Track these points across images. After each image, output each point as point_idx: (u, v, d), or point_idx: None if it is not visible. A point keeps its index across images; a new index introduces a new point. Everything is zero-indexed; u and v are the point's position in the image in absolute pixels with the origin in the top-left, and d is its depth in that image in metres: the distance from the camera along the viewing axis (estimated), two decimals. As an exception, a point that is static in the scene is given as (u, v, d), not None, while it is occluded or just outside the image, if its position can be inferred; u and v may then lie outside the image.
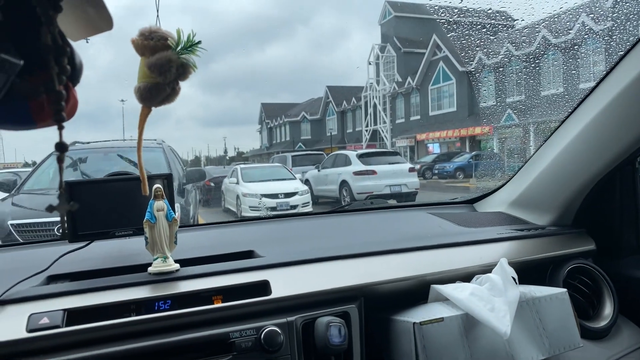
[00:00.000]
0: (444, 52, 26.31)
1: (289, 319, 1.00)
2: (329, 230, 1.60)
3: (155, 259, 1.09)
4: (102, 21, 0.69)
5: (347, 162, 12.61)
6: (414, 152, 28.44)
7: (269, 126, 46.50)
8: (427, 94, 28.27)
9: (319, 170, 13.77)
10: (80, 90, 0.66)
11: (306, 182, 13.38)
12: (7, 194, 5.54)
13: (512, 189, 1.68)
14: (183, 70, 0.84)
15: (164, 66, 0.82)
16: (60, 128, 0.64)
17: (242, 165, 13.56)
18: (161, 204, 1.10)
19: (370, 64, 30.71)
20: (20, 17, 0.60)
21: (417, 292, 1.18)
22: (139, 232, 1.17)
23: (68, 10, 0.63)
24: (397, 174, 12.08)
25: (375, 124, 30.32)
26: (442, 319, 1.05)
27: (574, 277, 1.37)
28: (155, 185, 1.10)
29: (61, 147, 0.64)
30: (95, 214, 1.19)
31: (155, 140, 6.53)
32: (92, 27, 0.71)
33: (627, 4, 1.69)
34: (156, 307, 0.99)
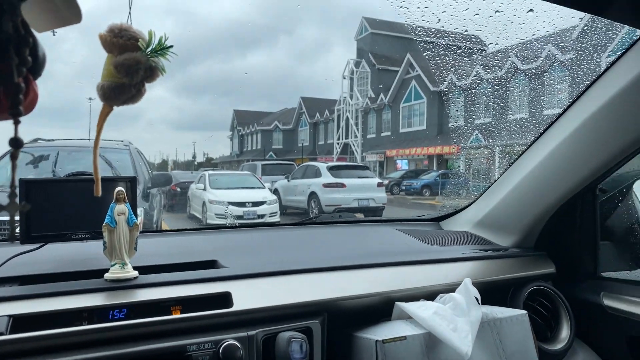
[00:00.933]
0: (416, 71, 26.87)
1: (250, 333, 0.97)
2: (295, 242, 1.58)
3: (112, 265, 1.04)
4: (70, 13, 0.66)
5: (317, 173, 12.62)
6: (383, 168, 28.78)
7: (240, 133, 46.13)
8: (398, 111, 28.75)
9: (288, 181, 13.72)
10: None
11: (275, 191, 13.30)
12: None
13: (477, 209, 1.70)
14: (151, 73, 0.82)
15: (132, 67, 0.79)
16: (16, 122, 0.60)
17: (211, 172, 13.35)
18: (122, 207, 1.06)
19: (344, 78, 31.02)
20: None
21: (381, 309, 1.17)
22: (97, 235, 1.13)
23: None
24: (365, 188, 12.17)
25: (347, 137, 30.54)
26: (404, 338, 1.05)
27: (534, 299, 1.39)
28: (118, 188, 1.06)
29: (16, 143, 0.60)
30: (51, 214, 1.13)
31: (122, 141, 6.36)
32: (60, 19, 0.67)
33: (592, 36, 1.76)
34: (110, 316, 0.94)
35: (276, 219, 10.70)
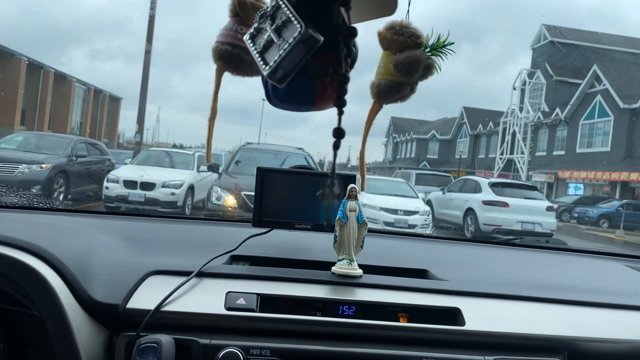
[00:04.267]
0: (603, 84, 23.60)
1: (487, 358, 0.89)
2: (501, 262, 1.44)
3: (340, 260, 1.05)
4: (386, 5, 0.67)
5: (477, 189, 11.91)
6: (552, 190, 25.91)
7: (395, 140, 46.18)
8: (576, 128, 25.53)
9: (443, 193, 13.21)
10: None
11: (428, 202, 12.92)
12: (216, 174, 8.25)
13: None
14: (427, 72, 0.79)
15: (413, 65, 0.77)
16: (341, 113, 0.63)
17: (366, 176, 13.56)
18: (354, 204, 1.06)
19: (515, 89, 28.64)
20: None
21: (630, 358, 0.98)
22: (317, 228, 1.17)
23: None
24: (532, 211, 11.08)
25: (512, 153, 28.22)
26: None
27: None
28: (351, 185, 1.07)
29: (339, 134, 0.63)
30: (279, 203, 1.20)
31: (300, 148, 8.14)
32: (376, 10, 0.68)
33: None
34: (340, 311, 0.95)
35: (428, 231, 10.38)
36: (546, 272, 1.35)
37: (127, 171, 9.44)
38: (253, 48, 0.63)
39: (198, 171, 10.06)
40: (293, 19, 0.58)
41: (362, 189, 1.01)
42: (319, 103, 0.65)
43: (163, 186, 9.00)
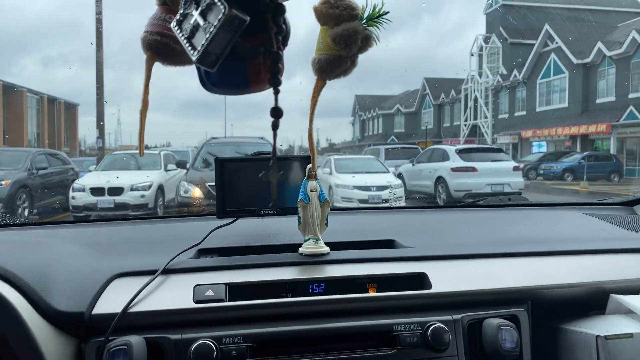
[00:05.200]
0: (556, 42, 24.17)
1: (455, 316, 0.92)
2: (468, 224, 1.48)
3: (306, 240, 1.06)
4: None
5: (444, 157, 12.12)
6: (517, 150, 26.60)
7: (361, 118, 46.31)
8: (534, 88, 26.15)
9: (413, 165, 13.39)
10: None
11: (399, 176, 13.08)
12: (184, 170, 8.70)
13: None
14: (365, 43, 0.79)
15: (351, 38, 0.76)
16: (276, 92, 0.62)
17: (336, 156, 13.60)
18: (314, 184, 1.06)
19: (472, 55, 29.04)
20: None
21: (590, 301, 1.03)
22: (282, 212, 1.18)
23: None
24: (499, 173, 11.38)
25: (475, 118, 28.73)
26: (631, 335, 0.90)
27: None
28: (309, 165, 1.07)
29: (276, 113, 0.62)
30: (242, 192, 1.19)
31: (262, 138, 8.37)
32: None
33: None
34: (310, 290, 0.96)
35: (401, 203, 10.54)
36: (509, 229, 1.39)
37: (92, 178, 9.23)
38: (180, 34, 0.62)
39: (166, 170, 9.91)
40: (217, 0, 0.57)
41: (314, 169, 1.01)
42: (254, 84, 0.64)
43: (132, 189, 8.84)
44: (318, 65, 0.80)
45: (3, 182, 8.74)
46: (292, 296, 0.94)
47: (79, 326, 0.86)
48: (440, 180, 11.82)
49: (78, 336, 0.87)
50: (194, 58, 0.60)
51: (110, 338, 0.82)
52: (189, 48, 0.60)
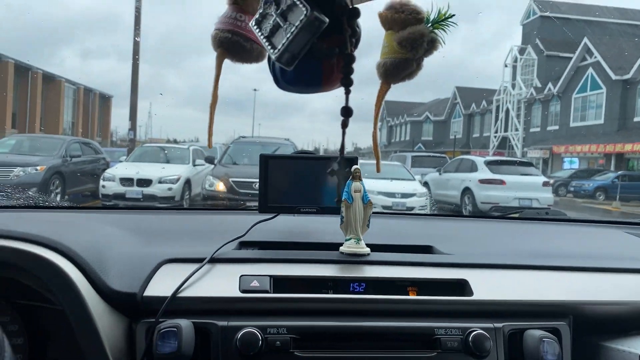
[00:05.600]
0: (595, 57, 23.55)
1: (496, 325, 0.92)
2: (503, 235, 1.47)
3: (347, 240, 1.08)
4: None
5: (472, 168, 11.94)
6: (548, 165, 25.99)
7: (389, 124, 46.07)
8: (569, 102, 25.51)
9: (440, 174, 13.23)
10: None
11: (425, 184, 12.95)
12: (212, 165, 9.46)
13: None
14: (431, 46, 0.80)
15: (417, 41, 0.78)
16: (348, 92, 0.65)
17: (361, 161, 13.54)
18: (358, 185, 1.08)
19: (506, 66, 28.52)
20: None
21: (633, 319, 1.02)
22: (322, 211, 1.20)
23: None
24: (528, 187, 11.14)
25: (506, 130, 28.20)
26: (676, 358, 0.89)
27: None
28: (355, 166, 1.08)
29: (347, 112, 0.66)
30: (283, 188, 1.22)
31: (287, 139, 8.85)
32: None
33: None
34: (351, 289, 0.97)
35: (426, 211, 10.43)
36: (548, 242, 1.38)
37: (122, 169, 9.49)
38: (260, 33, 0.66)
39: (194, 165, 10.11)
40: (298, 2, 0.60)
41: (378, 170, 1.03)
42: (327, 84, 0.68)
43: (160, 182, 9.06)
44: (383, 69, 0.82)
45: (39, 168, 9.04)
46: (334, 293, 0.96)
47: (131, 306, 0.89)
48: (467, 191, 11.66)
49: (130, 316, 0.90)
50: (274, 57, 0.63)
51: (160, 320, 0.85)
52: (269, 47, 0.63)
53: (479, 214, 9.71)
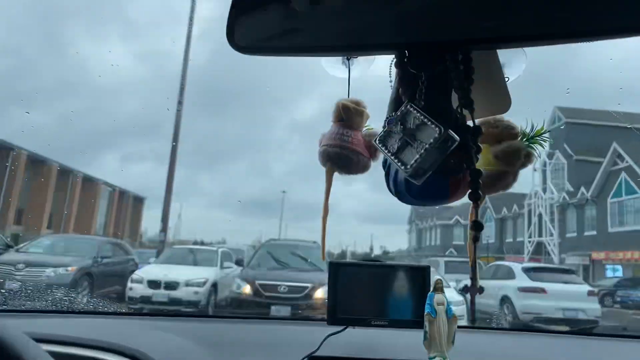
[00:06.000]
0: (626, 162, 23.41)
1: None
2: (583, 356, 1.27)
3: (431, 358, 0.93)
4: (501, 103, 0.71)
5: (510, 275, 11.44)
6: (588, 273, 24.65)
7: (418, 227, 45.68)
8: (605, 207, 24.86)
9: (476, 281, 12.67)
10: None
11: (461, 292, 12.35)
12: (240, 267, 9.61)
13: None
14: (527, 160, 0.83)
15: (514, 154, 0.80)
16: (476, 207, 0.64)
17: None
18: (441, 297, 0.96)
19: (535, 170, 28.65)
20: (440, 95, 0.67)
21: None
22: (394, 324, 1.10)
23: (474, 88, 0.65)
24: (572, 296, 10.45)
25: (540, 235, 27.39)
26: None
27: None
28: (437, 277, 0.98)
29: (477, 226, 0.61)
30: (353, 298, 1.12)
31: (314, 242, 8.72)
32: (490, 108, 0.72)
33: None
34: None
35: (463, 322, 9.79)
36: None
37: (151, 270, 9.42)
38: (385, 150, 0.69)
39: (222, 267, 9.98)
40: (428, 122, 0.63)
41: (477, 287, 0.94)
42: (453, 197, 0.71)
43: (186, 285, 8.89)
44: (482, 181, 0.79)
45: (69, 268, 9.07)
46: None
47: None
48: (505, 300, 11.03)
49: None
50: (405, 174, 0.65)
51: None
52: (398, 163, 0.66)
53: (582, 330, 9.07)
